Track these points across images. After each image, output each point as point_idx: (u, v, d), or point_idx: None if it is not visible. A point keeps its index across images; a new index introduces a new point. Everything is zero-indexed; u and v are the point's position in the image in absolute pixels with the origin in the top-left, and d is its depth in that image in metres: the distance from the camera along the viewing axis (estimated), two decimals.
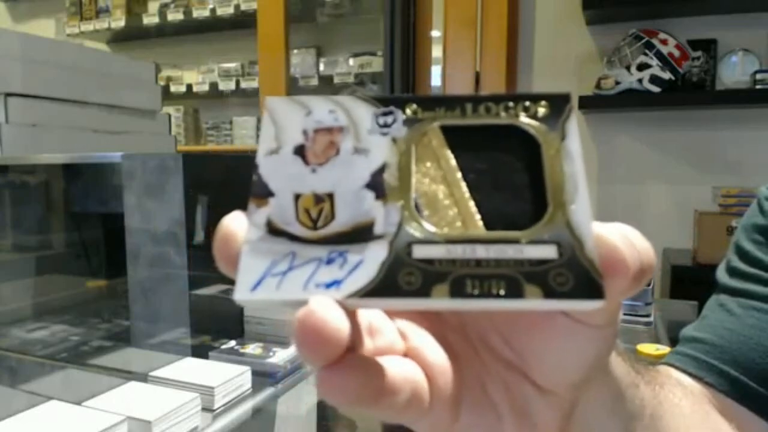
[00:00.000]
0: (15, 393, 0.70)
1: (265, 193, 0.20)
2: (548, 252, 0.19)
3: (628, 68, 1.87)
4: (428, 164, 0.21)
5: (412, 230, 0.19)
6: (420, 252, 0.19)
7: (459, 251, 0.19)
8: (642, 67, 1.85)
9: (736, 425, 0.41)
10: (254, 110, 2.77)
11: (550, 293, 0.18)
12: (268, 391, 0.75)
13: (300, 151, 0.21)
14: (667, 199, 2.06)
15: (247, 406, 0.70)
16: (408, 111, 0.21)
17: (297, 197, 0.20)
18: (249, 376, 0.73)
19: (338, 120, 0.21)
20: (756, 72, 1.83)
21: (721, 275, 0.52)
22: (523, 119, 0.21)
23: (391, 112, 0.21)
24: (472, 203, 0.20)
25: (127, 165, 0.73)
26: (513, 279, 0.18)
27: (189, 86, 3.02)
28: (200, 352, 0.78)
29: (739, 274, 0.50)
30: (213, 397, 0.67)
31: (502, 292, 0.18)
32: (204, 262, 0.79)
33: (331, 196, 0.20)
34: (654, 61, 1.84)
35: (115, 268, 0.76)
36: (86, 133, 1.10)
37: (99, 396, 0.61)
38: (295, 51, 2.73)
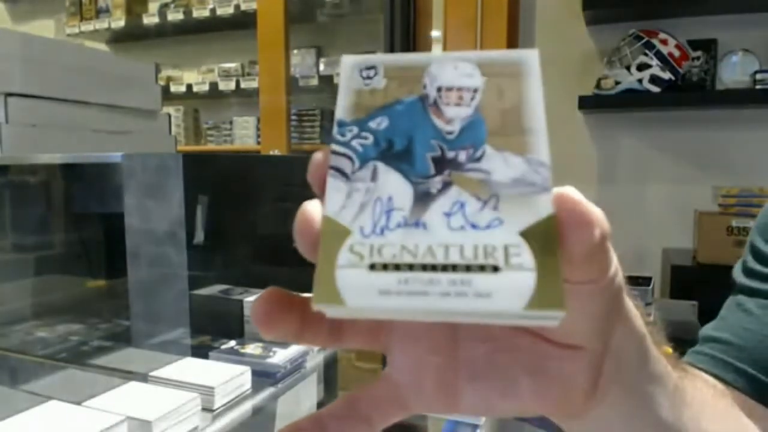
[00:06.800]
0: (15, 393, 0.70)
1: None
2: None
3: (628, 68, 1.87)
4: None
5: None
6: None
7: None
8: (642, 67, 1.85)
9: (755, 422, 0.41)
10: (254, 110, 2.76)
11: None
12: (268, 391, 0.74)
13: None
14: (667, 199, 2.06)
15: (247, 406, 0.70)
16: None
17: None
18: (249, 376, 0.73)
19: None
20: (756, 72, 1.83)
21: (738, 275, 0.52)
22: None
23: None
24: None
25: (127, 165, 0.73)
26: None
27: (189, 86, 3.02)
28: (200, 352, 0.78)
29: (756, 274, 0.50)
30: (213, 397, 0.67)
31: None
32: (204, 262, 0.79)
33: None
34: (654, 61, 1.84)
35: (115, 268, 0.76)
36: (86, 133, 1.10)
37: (99, 396, 0.61)
38: (295, 51, 2.73)
